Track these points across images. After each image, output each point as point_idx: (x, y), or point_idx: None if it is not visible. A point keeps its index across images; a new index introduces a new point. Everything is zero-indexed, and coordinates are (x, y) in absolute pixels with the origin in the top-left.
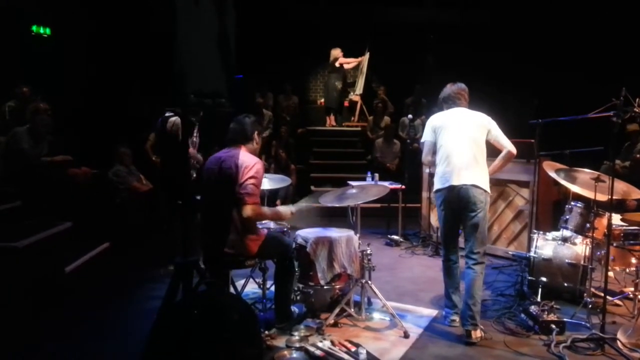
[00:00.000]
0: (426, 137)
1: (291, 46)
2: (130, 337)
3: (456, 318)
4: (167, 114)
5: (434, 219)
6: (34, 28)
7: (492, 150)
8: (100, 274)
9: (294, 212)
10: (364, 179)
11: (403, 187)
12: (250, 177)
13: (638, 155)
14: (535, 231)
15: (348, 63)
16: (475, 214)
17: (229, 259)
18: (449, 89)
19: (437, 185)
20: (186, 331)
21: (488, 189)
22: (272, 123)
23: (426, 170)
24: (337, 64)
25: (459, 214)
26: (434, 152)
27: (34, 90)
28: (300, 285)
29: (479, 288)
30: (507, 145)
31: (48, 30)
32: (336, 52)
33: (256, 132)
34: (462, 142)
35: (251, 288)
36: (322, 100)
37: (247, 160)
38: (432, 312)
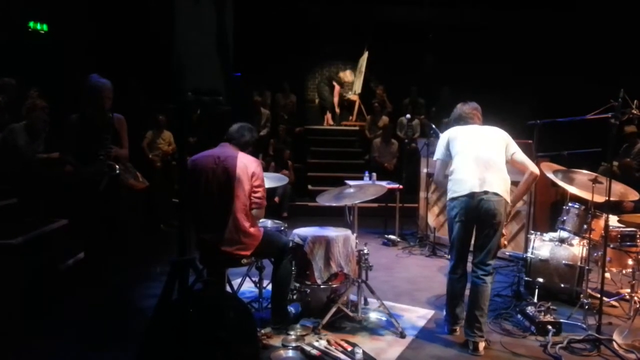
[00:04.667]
0: (438, 155)
1: (290, 45)
2: (126, 335)
3: (456, 328)
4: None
5: (432, 219)
6: (31, 24)
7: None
8: (95, 272)
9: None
10: (361, 179)
11: (400, 187)
12: (260, 185)
13: (628, 160)
14: (533, 232)
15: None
16: (494, 227)
17: (225, 257)
18: (461, 108)
19: (455, 192)
20: (182, 330)
21: (509, 199)
22: (270, 122)
23: (424, 170)
24: (334, 83)
25: (476, 225)
26: (446, 175)
27: (21, 82)
28: (297, 285)
29: (487, 299)
30: (530, 166)
31: (45, 27)
32: (344, 79)
33: (251, 148)
34: (482, 148)
35: (248, 287)
36: (318, 99)
37: (253, 164)
38: (429, 312)
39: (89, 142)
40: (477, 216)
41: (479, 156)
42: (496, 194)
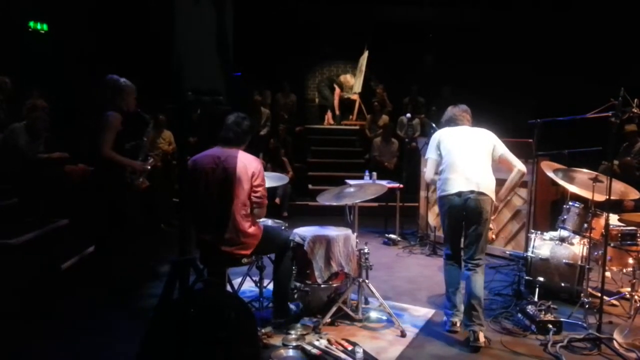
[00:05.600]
0: (430, 154)
1: (290, 44)
2: (127, 335)
3: (456, 321)
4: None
5: (432, 218)
6: (31, 24)
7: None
8: (96, 271)
9: None
10: (361, 178)
11: (401, 186)
12: (260, 184)
13: (628, 158)
14: (533, 231)
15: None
16: (480, 224)
17: (226, 257)
18: (451, 111)
19: (443, 190)
20: (183, 329)
21: (494, 197)
22: (270, 121)
23: (424, 169)
24: (335, 86)
25: (464, 222)
26: (436, 173)
27: (21, 82)
28: (298, 284)
29: (481, 286)
30: (517, 164)
31: (45, 27)
32: (345, 84)
33: (248, 138)
34: (469, 149)
35: (248, 286)
36: (318, 99)
37: (253, 163)
38: (429, 312)
39: (126, 139)
40: (464, 214)
41: (466, 157)
42: (482, 193)
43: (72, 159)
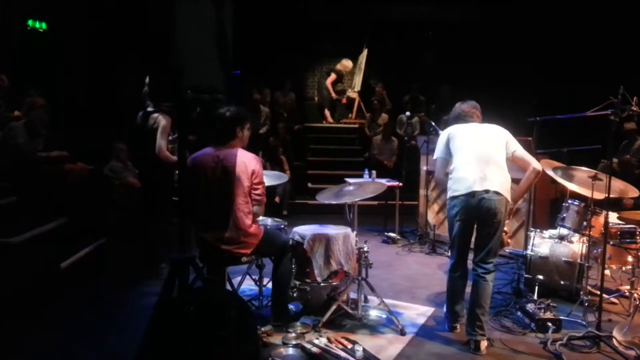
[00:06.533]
0: (438, 153)
1: (289, 42)
2: (126, 333)
3: (457, 325)
4: (148, 109)
5: (431, 217)
6: (30, 22)
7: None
8: (95, 270)
9: None
10: (361, 176)
11: (400, 184)
12: (260, 182)
13: (628, 156)
14: (532, 229)
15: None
16: (494, 227)
17: (226, 256)
18: (460, 107)
19: (455, 190)
20: (182, 328)
21: (509, 197)
22: (269, 120)
23: (423, 167)
24: (332, 74)
25: (476, 224)
26: (446, 173)
27: (21, 81)
28: (297, 282)
29: (488, 297)
30: (532, 162)
31: (44, 25)
32: (343, 70)
33: (238, 128)
34: (482, 146)
35: (248, 285)
36: (317, 97)
37: (252, 162)
38: (429, 310)
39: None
40: (477, 215)
41: (479, 154)
42: (497, 193)
43: (72, 157)
